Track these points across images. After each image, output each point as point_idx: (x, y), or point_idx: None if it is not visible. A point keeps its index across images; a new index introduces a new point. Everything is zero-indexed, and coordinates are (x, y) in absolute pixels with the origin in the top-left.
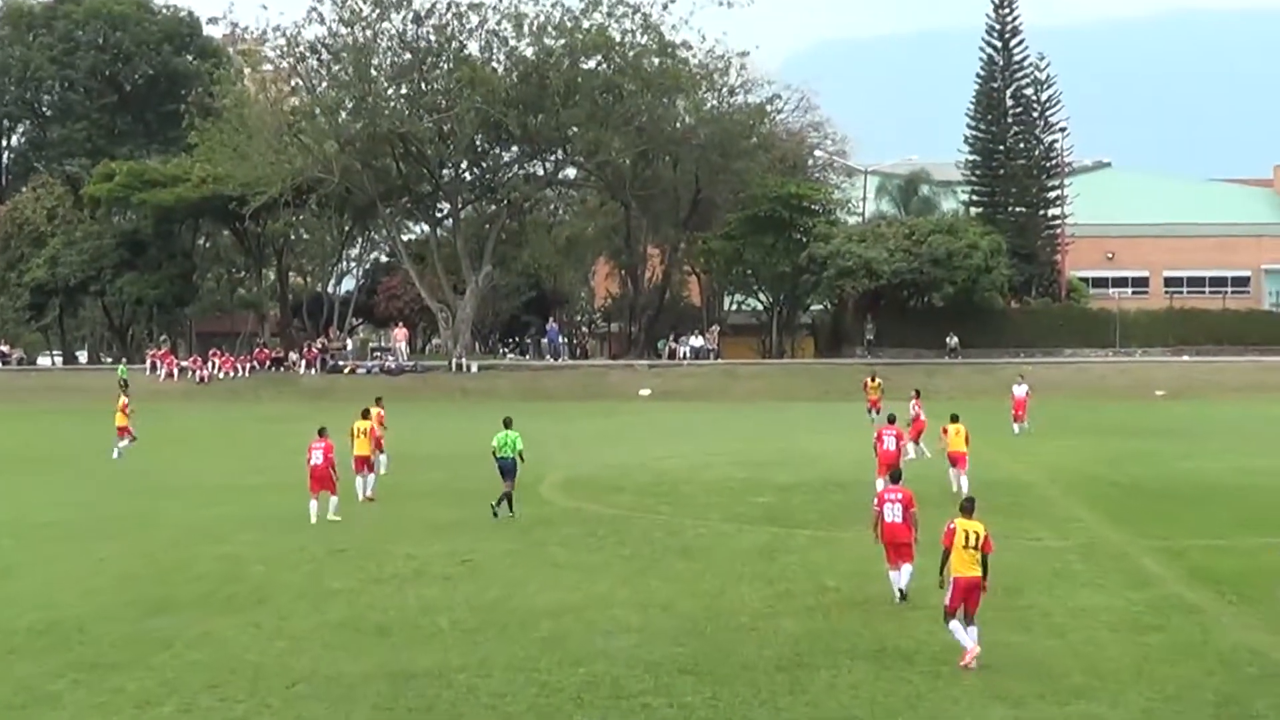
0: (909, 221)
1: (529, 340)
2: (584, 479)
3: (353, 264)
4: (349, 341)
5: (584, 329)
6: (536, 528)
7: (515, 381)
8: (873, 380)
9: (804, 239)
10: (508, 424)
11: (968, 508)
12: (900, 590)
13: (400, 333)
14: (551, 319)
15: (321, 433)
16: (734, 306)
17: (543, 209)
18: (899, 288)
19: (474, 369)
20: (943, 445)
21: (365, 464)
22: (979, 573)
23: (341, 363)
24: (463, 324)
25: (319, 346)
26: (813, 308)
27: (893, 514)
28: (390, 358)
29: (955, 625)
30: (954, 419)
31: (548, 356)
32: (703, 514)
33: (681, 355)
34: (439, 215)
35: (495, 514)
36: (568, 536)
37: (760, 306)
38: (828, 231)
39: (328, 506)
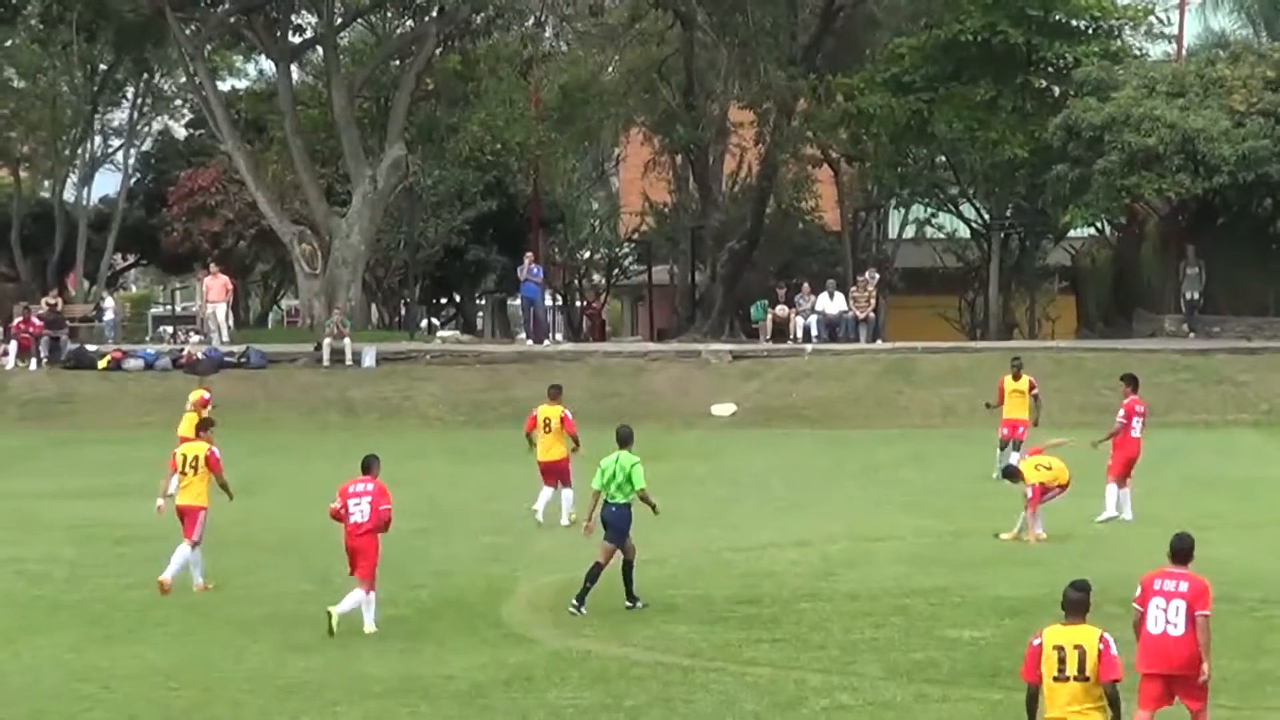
0: (1274, 55)
1: (481, 301)
2: (600, 590)
3: (115, 145)
4: (109, 304)
5: (597, 278)
6: (502, 689)
7: (453, 387)
8: (1015, 376)
9: (1055, 91)
10: (624, 440)
11: (1075, 602)
12: None
13: (215, 285)
14: (529, 257)
15: (368, 467)
16: (909, 232)
17: (511, 30)
18: (1252, 191)
19: (368, 359)
20: None
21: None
22: None
23: (93, 347)
24: (345, 267)
25: (44, 313)
26: (1072, 233)
27: (1161, 618)
28: (195, 337)
29: None
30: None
31: (520, 334)
32: (849, 662)
33: (799, 333)
34: (297, 41)
35: (578, 609)
36: (568, 709)
37: (965, 231)
38: (1104, 76)
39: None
